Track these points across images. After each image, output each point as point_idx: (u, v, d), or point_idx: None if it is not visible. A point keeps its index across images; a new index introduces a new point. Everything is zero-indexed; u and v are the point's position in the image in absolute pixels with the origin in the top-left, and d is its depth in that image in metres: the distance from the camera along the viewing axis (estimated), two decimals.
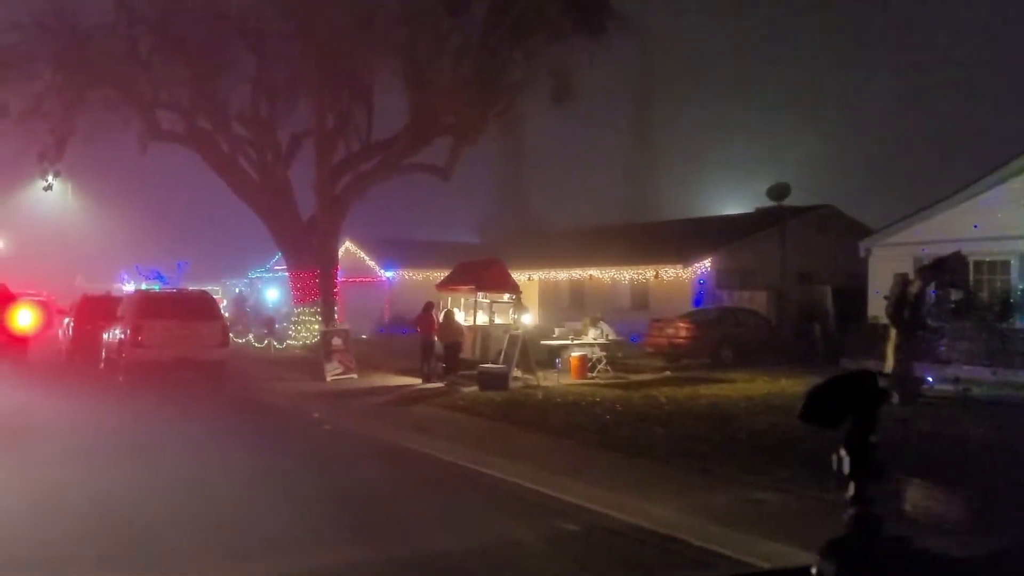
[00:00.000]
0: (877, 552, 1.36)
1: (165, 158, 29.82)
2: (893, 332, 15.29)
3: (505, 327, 19.78)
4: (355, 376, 19.93)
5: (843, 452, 1.40)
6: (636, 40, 24.06)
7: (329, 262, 19.87)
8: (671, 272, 29.38)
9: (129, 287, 49.09)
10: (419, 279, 37.40)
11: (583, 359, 19.33)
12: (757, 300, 28.23)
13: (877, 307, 23.51)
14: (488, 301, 20.19)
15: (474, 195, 65.04)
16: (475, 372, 18.79)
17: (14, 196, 35.43)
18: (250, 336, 26.86)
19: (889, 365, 14.93)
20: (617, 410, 14.43)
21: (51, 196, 29.32)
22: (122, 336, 19.54)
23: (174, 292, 20.60)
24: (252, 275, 53.47)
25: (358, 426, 13.73)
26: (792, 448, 9.74)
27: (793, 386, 18.01)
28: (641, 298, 30.87)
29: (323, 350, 19.73)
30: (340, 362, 19.85)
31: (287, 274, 25.47)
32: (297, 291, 24.98)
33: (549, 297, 37.09)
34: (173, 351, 19.09)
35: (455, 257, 39.72)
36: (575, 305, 32.39)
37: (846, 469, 1.39)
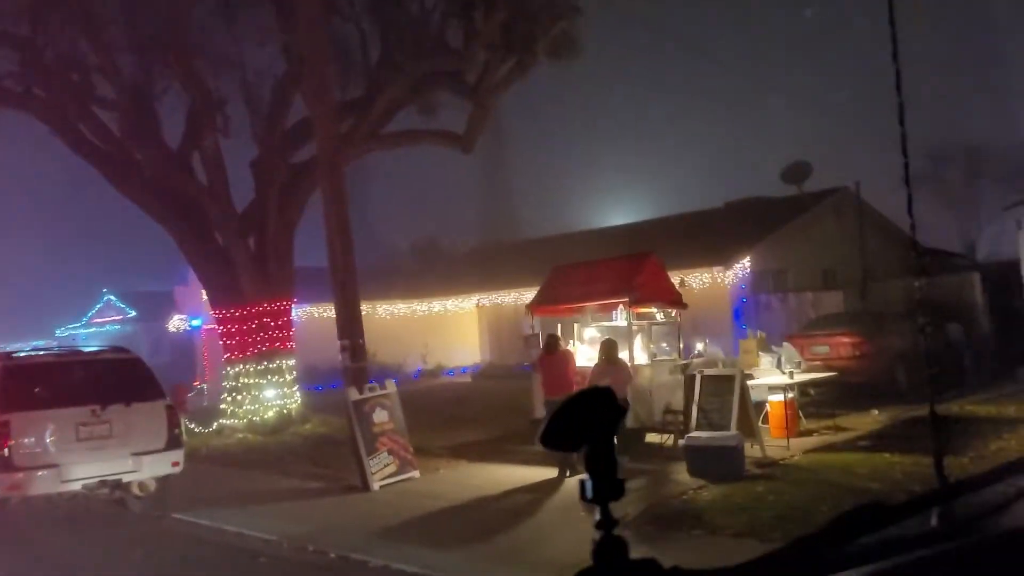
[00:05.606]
0: None
1: None
2: None
3: (670, 365, 11.87)
4: (416, 474, 11.35)
5: (586, 476, 1.30)
6: None
7: (348, 268, 11.16)
8: (705, 277, 22.46)
9: None
10: (334, 316, 28.29)
11: (790, 406, 11.86)
12: (828, 302, 22.08)
13: None
14: (645, 323, 12.12)
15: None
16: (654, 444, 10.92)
17: None
18: None
19: None
20: None
21: None
22: None
23: (67, 354, 11.08)
24: (61, 332, 41.07)
25: None
26: None
27: None
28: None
29: (361, 434, 10.95)
30: (392, 453, 11.17)
31: (215, 314, 15.97)
32: (232, 338, 15.59)
33: (503, 328, 29.19)
34: (82, 468, 9.81)
35: (372, 286, 31.06)
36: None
37: (590, 494, 1.30)
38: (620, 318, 11.71)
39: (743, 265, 22.77)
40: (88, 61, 14.92)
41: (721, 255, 22.52)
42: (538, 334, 12.49)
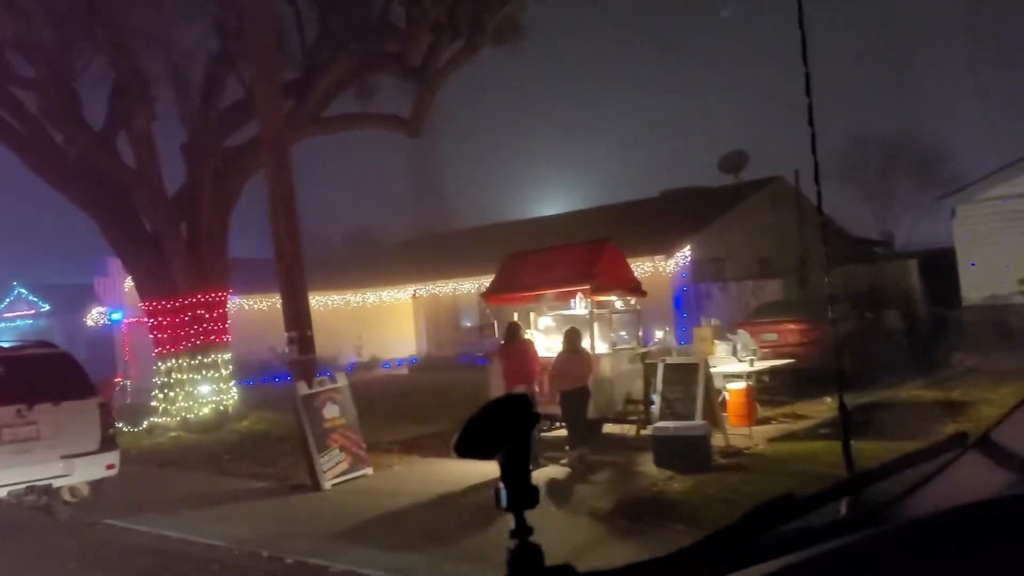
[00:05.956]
0: None
1: None
2: None
3: (630, 354, 11.61)
4: (370, 471, 10.85)
5: (501, 484, 1.27)
6: None
7: (295, 255, 10.48)
8: (646, 266, 22.34)
9: None
10: (264, 308, 27.34)
11: (749, 394, 11.73)
12: (768, 291, 22.21)
13: (977, 285, 18.27)
14: (606, 311, 11.79)
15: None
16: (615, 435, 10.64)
17: None
18: None
19: None
20: None
21: None
22: None
23: None
24: None
25: None
26: None
27: None
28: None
29: (311, 430, 10.39)
30: (343, 449, 10.64)
31: (144, 306, 14.97)
32: (164, 332, 14.68)
33: (441, 319, 28.76)
34: (6, 473, 9.07)
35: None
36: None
37: (504, 502, 1.26)
38: (578, 306, 11.37)
39: (683, 254, 22.76)
40: (3, 35, 13.86)
41: (661, 244, 22.44)
42: (493, 323, 12.09)
